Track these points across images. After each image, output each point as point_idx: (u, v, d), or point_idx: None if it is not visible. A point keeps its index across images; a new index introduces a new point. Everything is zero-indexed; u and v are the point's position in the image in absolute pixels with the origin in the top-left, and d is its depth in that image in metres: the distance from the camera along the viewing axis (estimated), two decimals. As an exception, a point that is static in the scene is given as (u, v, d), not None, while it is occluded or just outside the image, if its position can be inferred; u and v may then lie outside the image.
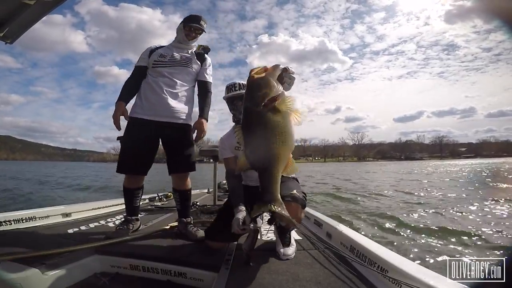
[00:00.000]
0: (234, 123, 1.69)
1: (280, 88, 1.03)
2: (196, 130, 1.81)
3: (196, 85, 1.91)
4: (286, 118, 0.99)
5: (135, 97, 1.82)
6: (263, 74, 1.02)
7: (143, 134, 1.73)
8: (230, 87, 1.69)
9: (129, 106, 1.82)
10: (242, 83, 1.65)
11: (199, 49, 1.93)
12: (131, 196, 1.86)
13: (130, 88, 1.81)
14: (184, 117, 1.82)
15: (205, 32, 1.88)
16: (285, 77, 1.22)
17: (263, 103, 0.98)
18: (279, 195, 1.04)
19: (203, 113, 1.83)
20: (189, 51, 1.88)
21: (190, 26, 1.81)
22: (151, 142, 1.79)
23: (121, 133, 1.78)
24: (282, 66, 1.13)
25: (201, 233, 1.68)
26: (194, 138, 1.85)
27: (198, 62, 1.87)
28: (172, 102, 1.75)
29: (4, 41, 1.63)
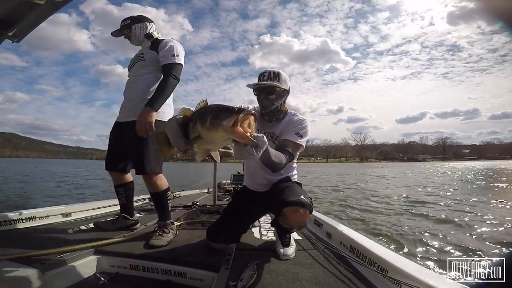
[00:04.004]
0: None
1: None
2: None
3: None
4: None
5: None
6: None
7: (112, 134, 1.85)
8: (260, 76, 1.48)
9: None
10: (273, 72, 1.45)
11: (150, 40, 1.86)
12: (116, 193, 1.94)
13: None
14: (129, 113, 1.71)
15: (129, 24, 1.85)
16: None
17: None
18: None
19: (150, 101, 1.59)
20: (143, 47, 1.87)
21: (121, 30, 1.89)
22: (119, 143, 1.80)
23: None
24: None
25: (161, 241, 1.56)
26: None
27: (152, 51, 1.78)
28: (128, 100, 1.78)
29: (12, 40, 1.64)
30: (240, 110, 0.83)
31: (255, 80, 1.49)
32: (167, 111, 1.75)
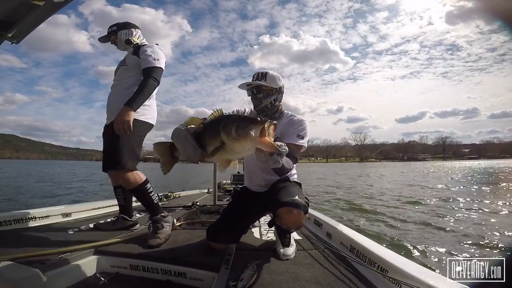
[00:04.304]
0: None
1: None
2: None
3: None
4: None
5: None
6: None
7: (103, 137, 1.85)
8: (252, 77, 1.58)
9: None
10: (261, 73, 1.54)
11: (130, 46, 1.90)
12: (114, 194, 1.98)
13: None
14: (115, 112, 1.71)
15: (115, 30, 1.90)
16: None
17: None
18: None
19: (129, 100, 1.60)
20: (127, 53, 1.91)
21: (108, 36, 1.94)
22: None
23: None
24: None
25: (158, 239, 1.57)
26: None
27: (134, 56, 1.82)
28: (111, 103, 1.79)
29: (11, 41, 1.64)
30: (264, 120, 0.86)
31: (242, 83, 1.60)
32: (147, 112, 1.78)
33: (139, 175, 1.74)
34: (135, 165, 1.74)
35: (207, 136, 0.93)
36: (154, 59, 1.75)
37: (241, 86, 1.56)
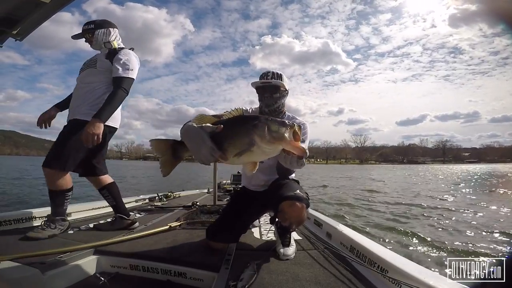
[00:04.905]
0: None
1: None
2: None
3: None
4: None
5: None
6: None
7: None
8: (262, 75, 1.55)
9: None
10: (276, 73, 1.53)
11: (108, 49, 1.85)
12: (102, 197, 1.98)
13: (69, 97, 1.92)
14: (75, 113, 1.73)
15: (92, 29, 1.84)
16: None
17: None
18: None
19: (99, 113, 1.60)
20: (99, 53, 1.86)
21: (82, 34, 1.87)
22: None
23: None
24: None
25: (41, 234, 1.58)
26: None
27: (107, 60, 1.77)
28: (75, 106, 1.76)
29: (15, 38, 1.65)
30: (293, 123, 0.86)
31: (256, 80, 1.55)
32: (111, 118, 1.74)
33: (69, 180, 1.72)
34: (71, 169, 1.72)
35: (230, 137, 0.86)
36: (128, 69, 1.74)
37: (255, 83, 1.54)
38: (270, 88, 1.51)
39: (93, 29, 1.84)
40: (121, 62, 1.74)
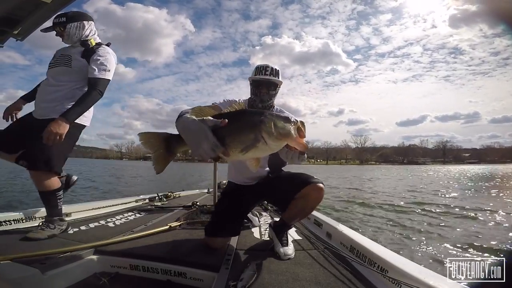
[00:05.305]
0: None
1: None
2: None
3: None
4: None
5: None
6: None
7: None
8: (260, 69, 1.52)
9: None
10: (275, 69, 1.50)
11: (87, 45, 1.74)
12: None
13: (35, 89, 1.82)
14: (45, 112, 1.66)
15: (64, 22, 1.69)
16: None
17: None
18: None
19: (67, 112, 1.54)
20: (73, 50, 1.74)
21: (53, 27, 1.72)
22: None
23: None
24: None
25: (41, 234, 1.56)
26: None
27: (83, 59, 1.69)
28: (45, 105, 1.68)
29: (16, 38, 1.65)
30: (296, 119, 0.87)
31: (256, 76, 1.55)
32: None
33: (56, 179, 1.69)
34: (61, 169, 1.69)
35: (233, 132, 0.80)
36: (105, 70, 1.68)
37: (256, 78, 1.51)
38: (267, 84, 1.50)
39: (64, 23, 1.68)
40: (98, 62, 1.67)
